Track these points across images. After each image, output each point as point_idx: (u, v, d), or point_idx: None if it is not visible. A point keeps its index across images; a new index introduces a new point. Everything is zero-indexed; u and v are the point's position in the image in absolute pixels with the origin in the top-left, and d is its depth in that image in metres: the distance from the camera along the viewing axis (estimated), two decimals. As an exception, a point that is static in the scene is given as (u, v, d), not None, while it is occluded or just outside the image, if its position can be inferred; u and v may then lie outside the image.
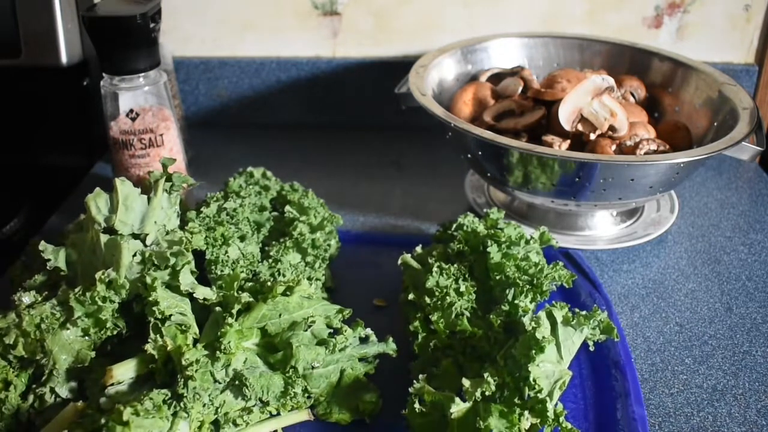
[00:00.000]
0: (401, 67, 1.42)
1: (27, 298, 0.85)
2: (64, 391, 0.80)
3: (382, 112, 1.60)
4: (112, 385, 0.78)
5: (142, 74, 1.12)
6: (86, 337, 0.82)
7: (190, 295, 0.87)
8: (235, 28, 1.56)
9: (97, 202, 0.92)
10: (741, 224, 1.27)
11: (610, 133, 1.17)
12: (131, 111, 1.13)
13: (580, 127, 1.16)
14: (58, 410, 0.77)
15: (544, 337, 0.77)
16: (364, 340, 0.90)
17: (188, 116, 1.57)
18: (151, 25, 1.09)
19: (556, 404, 0.76)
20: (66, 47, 1.40)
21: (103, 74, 1.13)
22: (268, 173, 1.16)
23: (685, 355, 0.97)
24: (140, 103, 1.14)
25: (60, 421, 0.76)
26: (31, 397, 0.79)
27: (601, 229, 1.22)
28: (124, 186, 0.93)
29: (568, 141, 1.16)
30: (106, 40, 1.09)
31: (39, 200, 1.36)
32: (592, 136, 1.16)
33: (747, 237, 1.24)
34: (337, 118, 1.63)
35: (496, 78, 1.37)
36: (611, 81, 1.21)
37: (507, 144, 1.06)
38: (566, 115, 1.15)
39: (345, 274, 1.08)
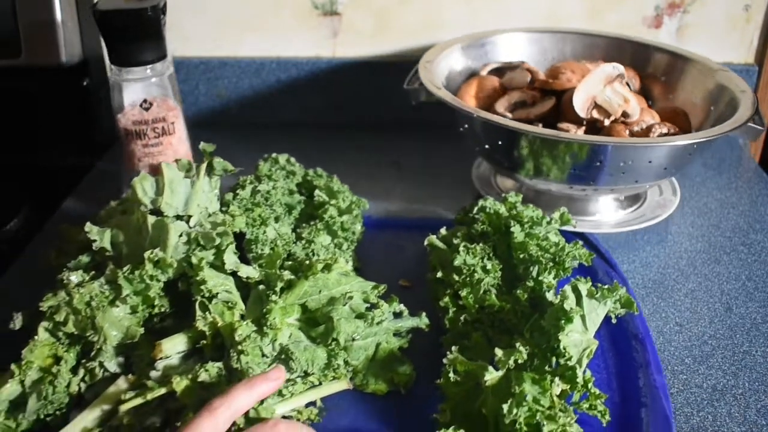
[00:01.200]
0: (401, 67, 1.46)
1: (75, 277, 0.90)
2: (112, 366, 0.86)
3: (382, 112, 1.63)
4: (161, 359, 0.84)
5: (150, 66, 1.17)
6: (134, 314, 0.88)
7: (233, 274, 0.93)
8: (235, 28, 1.59)
9: (143, 185, 0.99)
10: (741, 224, 1.29)
11: (622, 118, 1.23)
12: (145, 101, 1.17)
13: (595, 114, 1.22)
14: (107, 384, 0.83)
15: (572, 308, 0.84)
16: (398, 315, 0.97)
17: (188, 116, 1.58)
18: (161, 18, 1.15)
19: (585, 371, 0.82)
20: (66, 47, 1.43)
21: (111, 66, 1.17)
22: (292, 159, 1.22)
23: (685, 355, 0.99)
24: (152, 93, 1.18)
25: (113, 392, 0.81)
26: (81, 372, 0.85)
27: (603, 219, 1.28)
28: (169, 170, 1.00)
29: (583, 128, 1.23)
30: (118, 32, 1.13)
31: (39, 200, 1.38)
32: (606, 122, 1.23)
33: (747, 237, 1.25)
34: (337, 118, 1.66)
35: (497, 72, 1.42)
36: (621, 68, 1.26)
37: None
38: (581, 103, 1.21)
39: (369, 257, 1.14)
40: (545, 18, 1.55)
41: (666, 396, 0.86)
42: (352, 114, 1.66)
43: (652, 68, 1.42)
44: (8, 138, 1.51)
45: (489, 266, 0.97)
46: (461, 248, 0.99)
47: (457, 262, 0.98)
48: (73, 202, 1.36)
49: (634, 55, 1.43)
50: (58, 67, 1.43)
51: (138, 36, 1.13)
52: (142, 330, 0.87)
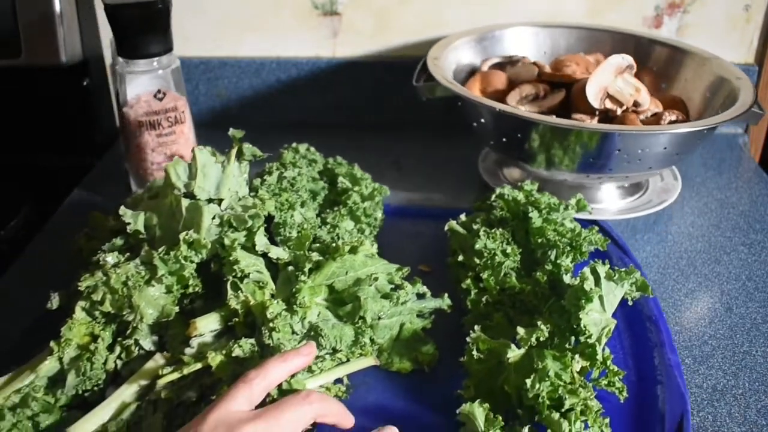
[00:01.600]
0: (401, 66, 1.51)
1: (111, 258, 0.95)
2: (147, 344, 0.91)
3: (382, 112, 1.66)
4: (195, 337, 0.89)
5: (157, 58, 1.21)
6: (169, 294, 0.94)
7: (263, 256, 0.99)
8: (235, 28, 1.63)
9: (177, 170, 1.04)
10: (741, 224, 1.31)
11: (633, 108, 1.29)
12: (159, 91, 1.21)
13: (608, 104, 1.28)
14: (142, 361, 0.88)
15: (591, 289, 0.89)
16: (420, 297, 1.03)
17: (188, 115, 1.61)
18: (170, 10, 1.20)
19: (603, 349, 0.88)
20: (66, 47, 1.46)
21: (119, 59, 1.21)
22: (312, 148, 1.27)
23: (685, 355, 1.01)
24: (158, 86, 1.23)
25: (149, 369, 0.86)
26: (117, 349, 0.90)
27: (607, 207, 1.34)
28: (201, 154, 1.05)
29: (596, 118, 1.29)
30: (129, 24, 1.17)
31: (39, 200, 1.41)
32: (619, 112, 1.29)
33: (747, 237, 1.27)
34: (337, 118, 1.69)
35: (498, 67, 1.46)
36: (630, 59, 1.33)
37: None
38: (594, 93, 1.27)
39: (388, 243, 1.16)
40: (546, 18, 1.58)
41: (681, 374, 0.92)
42: (352, 114, 1.69)
43: (652, 62, 1.47)
44: (8, 138, 1.54)
45: (509, 250, 1.03)
46: (482, 233, 1.05)
47: (478, 246, 1.04)
48: (73, 202, 1.38)
49: (634, 48, 1.47)
50: (58, 67, 1.46)
51: (148, 28, 1.17)
52: (177, 308, 0.93)
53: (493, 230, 1.06)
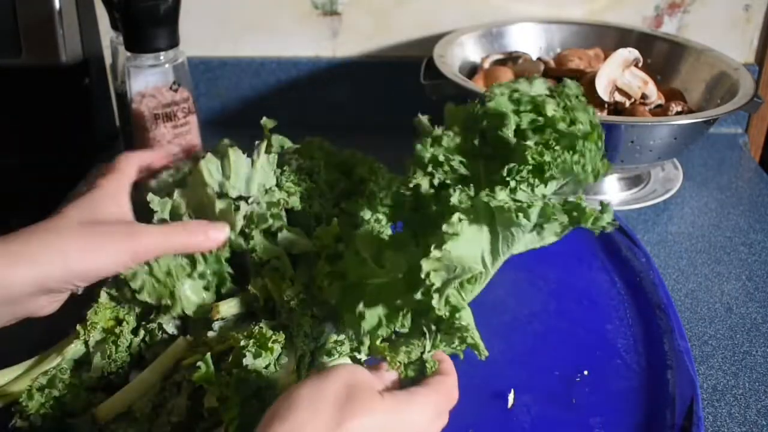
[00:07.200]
0: (402, 67, 1.56)
1: None
2: (170, 328, 0.96)
3: (382, 112, 1.70)
4: (217, 320, 0.93)
5: (164, 52, 1.24)
6: (206, 285, 0.98)
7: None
8: (235, 28, 1.67)
9: (209, 168, 1.06)
10: (741, 224, 1.35)
11: (641, 100, 1.36)
12: (174, 82, 1.25)
13: (617, 97, 1.34)
14: (165, 345, 0.93)
15: None
16: None
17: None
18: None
19: None
20: (66, 47, 1.50)
21: (128, 53, 1.23)
22: (326, 141, 1.31)
23: (684, 355, 1.03)
24: (163, 80, 1.26)
25: (172, 352, 0.91)
26: (141, 333, 0.95)
27: (609, 199, 1.39)
28: (235, 154, 1.08)
29: (606, 111, 1.34)
30: (141, 19, 1.20)
31: (38, 200, 1.42)
32: (627, 104, 1.35)
33: (747, 237, 1.31)
34: (337, 118, 1.73)
35: (500, 64, 1.51)
36: (636, 53, 1.39)
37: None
38: (603, 87, 1.32)
39: None
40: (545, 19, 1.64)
41: (690, 359, 0.95)
42: (352, 114, 1.72)
43: (650, 57, 1.52)
44: (8, 138, 1.58)
45: None
46: None
47: None
48: (73, 202, 1.42)
49: (633, 44, 1.51)
50: (58, 67, 1.50)
51: (159, 22, 1.20)
52: (214, 297, 0.97)
53: None
